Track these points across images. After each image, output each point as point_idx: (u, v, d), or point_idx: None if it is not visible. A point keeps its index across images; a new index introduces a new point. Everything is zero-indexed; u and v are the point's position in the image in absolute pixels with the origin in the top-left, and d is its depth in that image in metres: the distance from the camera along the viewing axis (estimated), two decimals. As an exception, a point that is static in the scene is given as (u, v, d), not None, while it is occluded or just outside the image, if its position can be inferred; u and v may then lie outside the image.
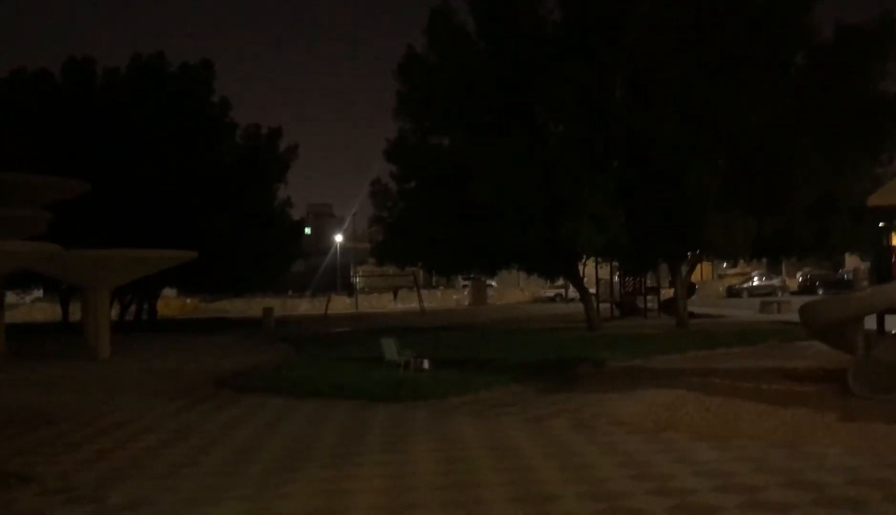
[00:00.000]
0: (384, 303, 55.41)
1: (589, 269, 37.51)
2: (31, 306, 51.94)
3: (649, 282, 35.69)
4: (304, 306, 53.58)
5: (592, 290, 32.69)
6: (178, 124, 33.75)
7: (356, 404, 13.24)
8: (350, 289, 58.30)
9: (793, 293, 48.43)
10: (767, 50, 23.70)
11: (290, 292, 61.72)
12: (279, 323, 37.11)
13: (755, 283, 52.18)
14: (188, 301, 54.76)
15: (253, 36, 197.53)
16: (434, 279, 63.59)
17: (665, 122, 22.63)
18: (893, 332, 14.43)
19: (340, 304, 51.59)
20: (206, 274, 33.29)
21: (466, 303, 56.00)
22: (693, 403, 12.21)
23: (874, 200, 15.17)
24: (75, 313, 38.00)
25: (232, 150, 37.56)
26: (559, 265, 28.26)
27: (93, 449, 10.21)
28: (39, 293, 49.02)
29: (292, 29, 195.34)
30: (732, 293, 52.39)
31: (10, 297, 28.22)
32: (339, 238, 74.07)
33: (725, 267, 64.53)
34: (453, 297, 58.30)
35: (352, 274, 70.62)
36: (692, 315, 29.25)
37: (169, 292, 48.77)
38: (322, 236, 77.86)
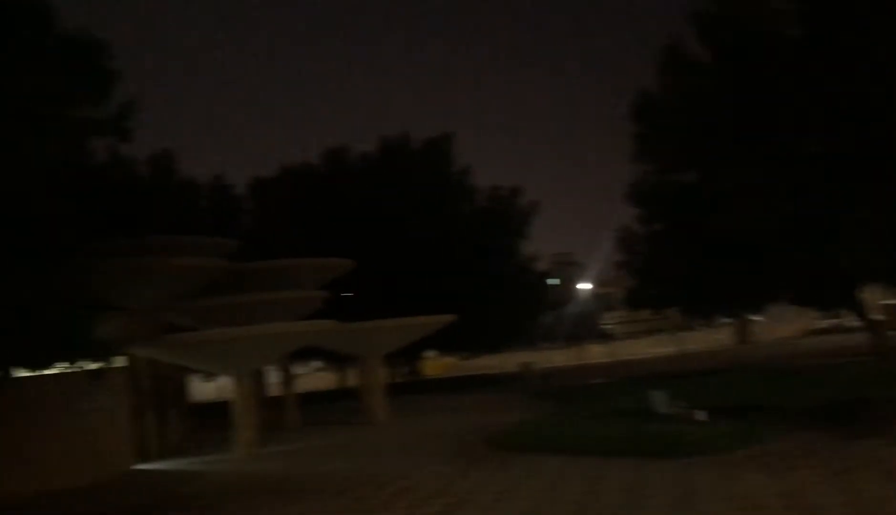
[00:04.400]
0: (639, 349, 53.88)
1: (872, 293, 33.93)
2: (314, 375, 56.98)
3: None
4: (559, 357, 53.57)
5: (879, 317, 29.36)
6: (424, 195, 35.84)
7: (633, 462, 12.83)
8: (603, 336, 57.55)
9: None
10: None
11: (542, 343, 62.10)
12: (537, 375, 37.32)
13: None
14: (449, 360, 57.04)
15: (486, 105, 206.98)
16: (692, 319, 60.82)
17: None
18: None
19: (594, 352, 50.93)
20: (463, 333, 34.44)
21: (730, 342, 52.84)
22: None
23: None
24: (352, 378, 41.05)
25: (476, 213, 39.04)
26: (833, 294, 25.79)
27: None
28: (319, 363, 53.66)
29: (521, 98, 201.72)
30: None
31: (297, 368, 31.19)
32: (585, 286, 73.71)
33: None
34: (714, 337, 55.25)
35: (602, 320, 69.70)
36: None
37: (429, 353, 51.19)
38: (568, 284, 77.79)
